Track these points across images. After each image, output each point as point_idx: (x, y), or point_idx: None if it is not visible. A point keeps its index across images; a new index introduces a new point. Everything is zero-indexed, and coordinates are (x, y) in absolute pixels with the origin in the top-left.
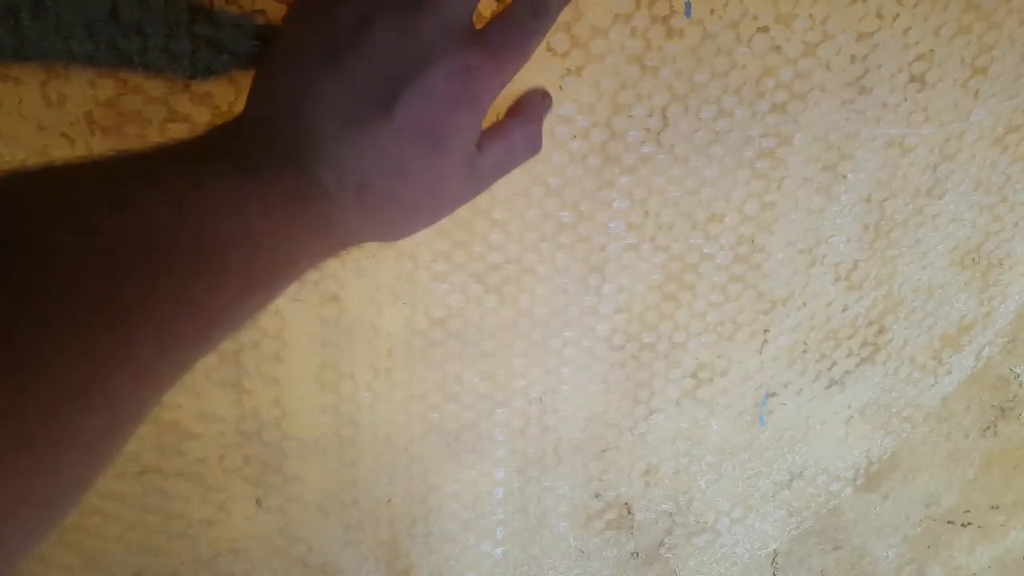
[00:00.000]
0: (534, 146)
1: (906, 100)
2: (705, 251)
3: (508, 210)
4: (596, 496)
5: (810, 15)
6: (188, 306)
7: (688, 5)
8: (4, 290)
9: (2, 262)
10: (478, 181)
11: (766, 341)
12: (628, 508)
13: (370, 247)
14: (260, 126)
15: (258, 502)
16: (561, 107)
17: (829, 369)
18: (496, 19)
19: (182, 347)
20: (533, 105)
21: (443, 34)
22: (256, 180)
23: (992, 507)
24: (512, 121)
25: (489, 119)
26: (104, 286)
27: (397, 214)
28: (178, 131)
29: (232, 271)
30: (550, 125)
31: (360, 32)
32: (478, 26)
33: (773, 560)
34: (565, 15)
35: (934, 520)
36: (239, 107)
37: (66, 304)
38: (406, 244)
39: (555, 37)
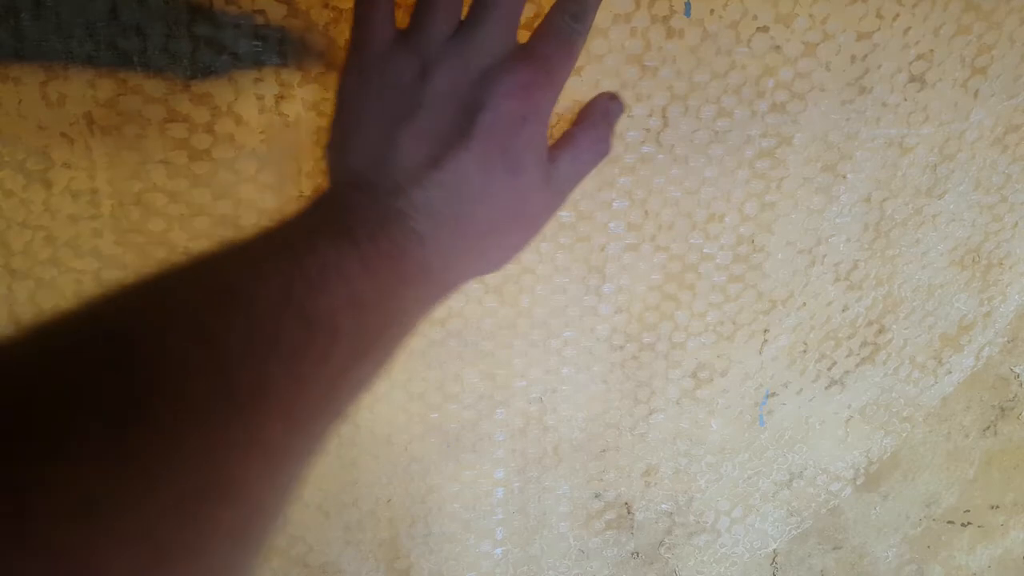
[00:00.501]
0: (603, 149)
1: (906, 100)
2: (705, 251)
3: None
4: (596, 496)
5: (810, 15)
6: (304, 382)
7: (688, 5)
8: (118, 401)
9: (115, 372)
10: (556, 192)
11: (766, 341)
12: (628, 508)
13: None
14: (348, 192)
15: None
16: (561, 107)
17: (829, 369)
18: (537, 32)
19: (306, 424)
20: (598, 109)
21: (494, 62)
22: (352, 245)
23: (992, 507)
24: (579, 128)
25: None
26: (216, 381)
27: (491, 242)
28: (178, 131)
29: (341, 339)
30: (550, 125)
31: (421, 84)
32: (524, 35)
33: (773, 560)
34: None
35: (934, 520)
36: (238, 107)
37: (179, 405)
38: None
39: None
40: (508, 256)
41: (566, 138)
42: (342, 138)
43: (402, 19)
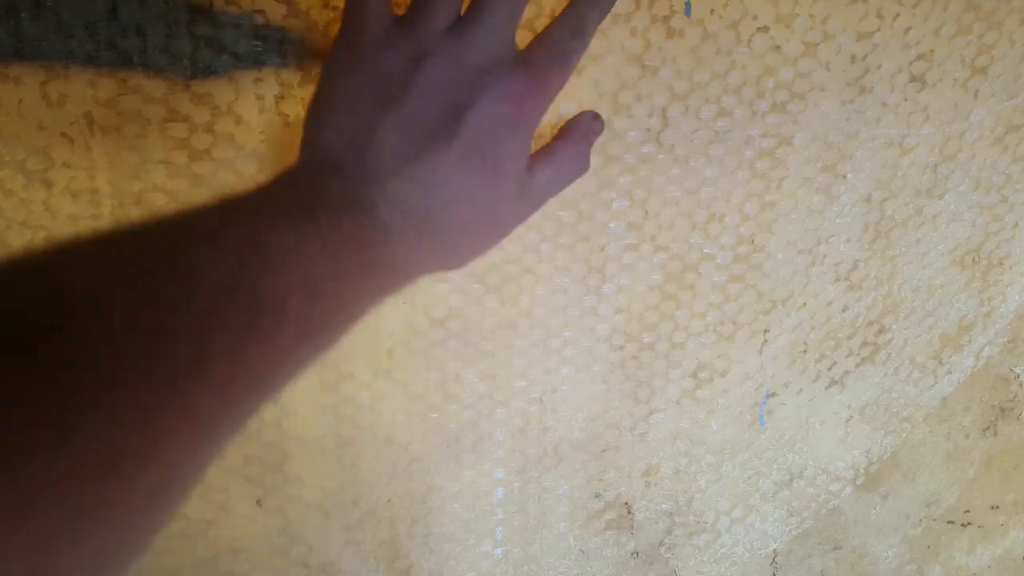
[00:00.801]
0: (582, 166)
1: (906, 100)
2: (705, 251)
3: None
4: (596, 496)
5: (810, 15)
6: (244, 360)
7: (688, 5)
8: (65, 350)
9: (64, 323)
10: (531, 202)
11: (766, 341)
12: (628, 508)
13: None
14: (318, 173)
15: (258, 502)
16: (561, 107)
17: (829, 369)
18: (537, 41)
19: (241, 399)
20: (581, 126)
21: (489, 64)
22: (314, 227)
23: (992, 507)
24: (560, 142)
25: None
26: (161, 347)
27: (458, 243)
28: (178, 131)
29: (289, 320)
30: (551, 125)
31: (413, 73)
32: (523, 36)
33: (773, 560)
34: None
35: (934, 520)
36: (238, 107)
37: (124, 365)
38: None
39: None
40: (471, 258)
41: (546, 151)
42: (322, 114)
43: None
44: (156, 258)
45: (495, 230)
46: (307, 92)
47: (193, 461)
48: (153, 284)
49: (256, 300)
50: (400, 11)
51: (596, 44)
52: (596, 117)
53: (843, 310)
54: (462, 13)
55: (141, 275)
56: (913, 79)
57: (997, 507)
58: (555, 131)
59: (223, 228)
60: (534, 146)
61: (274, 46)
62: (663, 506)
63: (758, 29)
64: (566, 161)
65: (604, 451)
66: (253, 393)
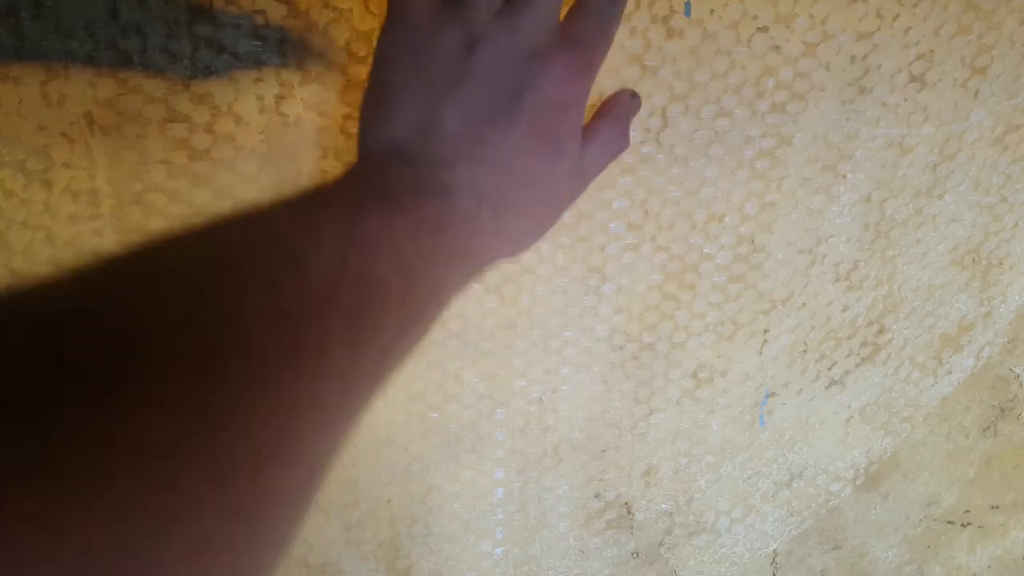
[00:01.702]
0: (623, 142)
1: (906, 100)
2: (705, 251)
3: None
4: (596, 496)
5: (810, 15)
6: (360, 347)
7: (688, 5)
8: (193, 349)
9: (185, 319)
10: (583, 180)
11: (766, 341)
12: (628, 508)
13: None
14: (389, 161)
15: None
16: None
17: (829, 369)
18: (575, 14)
19: (359, 389)
20: (621, 104)
21: (538, 46)
22: (401, 213)
23: (992, 507)
24: (602, 121)
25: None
26: (285, 337)
27: (523, 225)
28: (178, 131)
29: (392, 308)
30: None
31: (468, 58)
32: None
33: (773, 560)
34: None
35: (934, 520)
36: (238, 107)
37: (248, 359)
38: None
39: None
40: (534, 239)
41: (589, 130)
42: (381, 105)
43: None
44: (263, 244)
45: (555, 209)
46: (307, 92)
47: (325, 454)
48: (267, 270)
49: (364, 285)
50: None
51: None
52: (634, 95)
53: (843, 310)
54: None
55: (254, 263)
56: (913, 79)
57: (997, 507)
58: (596, 109)
59: (319, 216)
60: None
61: (274, 46)
62: (663, 506)
63: (758, 29)
64: (609, 138)
65: (604, 451)
66: (369, 381)
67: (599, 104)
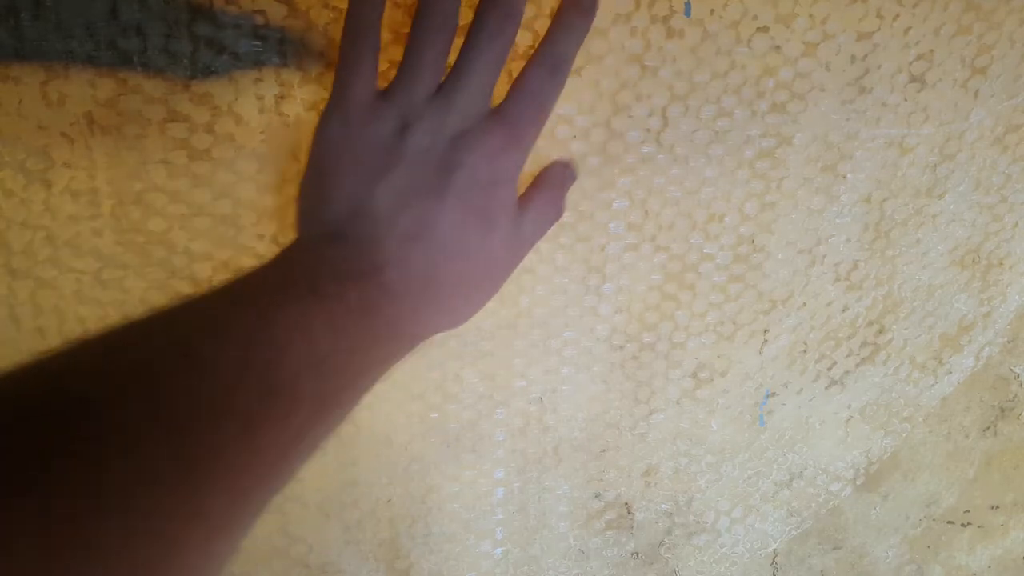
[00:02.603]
0: (558, 212)
1: (906, 100)
2: (705, 251)
3: None
4: (596, 496)
5: (810, 15)
6: (258, 449)
7: (688, 5)
8: (70, 464)
9: (69, 429)
10: (520, 249)
11: (766, 341)
12: (628, 508)
13: None
14: (319, 244)
15: None
16: (561, 107)
17: (829, 369)
18: (514, 90)
19: (252, 491)
20: (555, 175)
21: (470, 124)
22: (318, 302)
23: (992, 507)
24: (536, 191)
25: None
26: (168, 450)
27: (462, 298)
28: (178, 131)
29: (303, 399)
30: (550, 125)
31: (401, 140)
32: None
33: (773, 560)
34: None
35: (934, 520)
36: (238, 107)
37: (132, 470)
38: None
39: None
40: (473, 311)
41: (526, 199)
42: (316, 188)
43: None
44: (162, 355)
45: (492, 281)
46: (307, 92)
47: (208, 563)
48: (161, 383)
49: (267, 387)
50: (384, 83)
51: (596, 44)
52: (567, 166)
53: (843, 310)
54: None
55: (149, 376)
56: (913, 79)
57: (997, 507)
58: (531, 179)
59: (228, 313)
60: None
61: (274, 46)
62: (663, 506)
63: (758, 29)
64: (544, 209)
65: (604, 451)
66: (267, 481)
67: (535, 174)
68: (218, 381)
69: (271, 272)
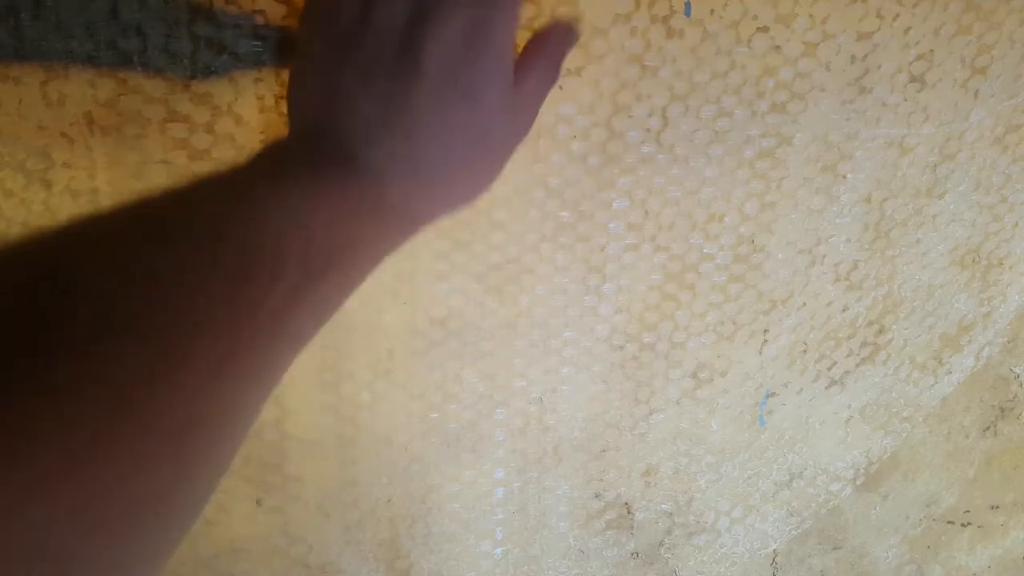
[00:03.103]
0: (554, 76)
1: (906, 100)
2: (705, 251)
3: (508, 210)
4: (596, 496)
5: (810, 15)
6: (250, 302)
7: (688, 5)
8: (39, 338)
9: (41, 305)
10: (519, 120)
11: (766, 341)
12: (628, 508)
13: None
14: (303, 138)
15: (258, 502)
16: (561, 107)
17: (829, 369)
18: None
19: (257, 340)
20: (552, 40)
21: None
22: (293, 179)
23: (992, 507)
24: (532, 58)
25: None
26: (140, 312)
27: (457, 176)
28: (178, 131)
29: (288, 262)
30: (550, 125)
31: (365, 16)
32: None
33: (773, 560)
34: (565, 15)
35: (934, 520)
36: (238, 107)
37: (97, 339)
38: (406, 244)
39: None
40: (478, 188)
41: (522, 67)
42: (295, 88)
43: None
44: (134, 228)
45: (493, 154)
46: None
47: (218, 407)
48: (132, 251)
49: (247, 248)
50: None
51: (596, 44)
52: (568, 27)
53: (843, 310)
54: None
55: (117, 245)
56: (913, 79)
57: (997, 507)
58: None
59: (201, 195)
60: None
61: (274, 46)
62: (663, 506)
63: (758, 29)
64: (539, 73)
65: (604, 451)
66: (270, 335)
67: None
68: (195, 246)
69: (249, 162)
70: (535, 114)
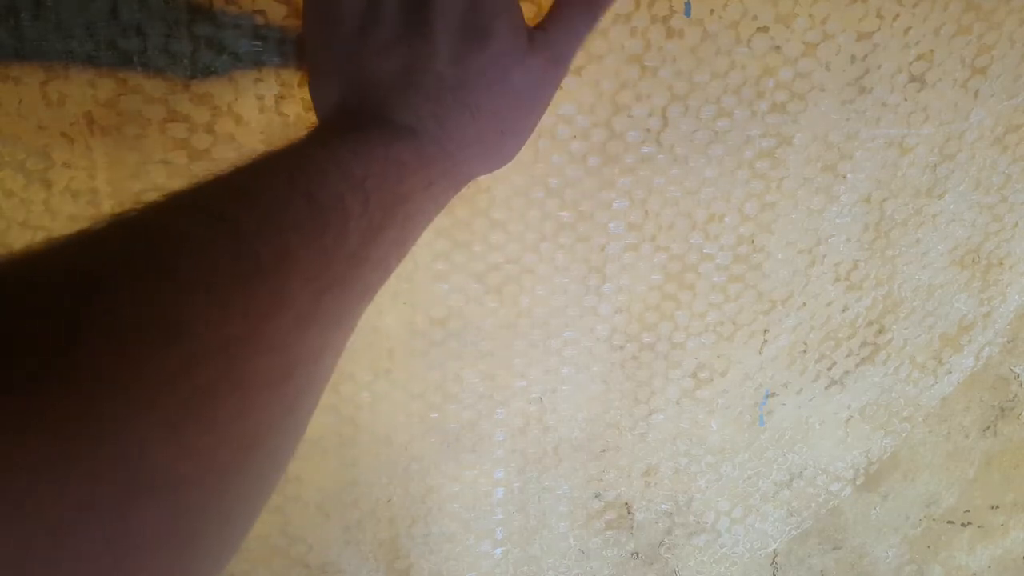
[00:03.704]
0: (595, 13)
1: (906, 100)
2: (705, 251)
3: (508, 210)
4: (596, 496)
5: (810, 15)
6: (324, 254)
7: (688, 5)
8: (152, 278)
9: (145, 254)
10: (552, 60)
11: (766, 341)
12: (628, 508)
13: None
14: (330, 119)
15: None
16: (561, 107)
17: (829, 369)
18: None
19: (333, 291)
20: None
21: None
22: (341, 142)
23: (992, 507)
24: (555, 7)
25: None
26: (238, 250)
27: (486, 124)
28: (178, 131)
29: (352, 217)
30: (550, 125)
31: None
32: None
33: (773, 560)
34: None
35: (934, 520)
36: (238, 107)
37: (203, 273)
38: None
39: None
40: (513, 139)
41: (556, 8)
42: (314, 85)
43: None
44: (219, 188)
45: (518, 102)
46: (307, 92)
47: (305, 352)
48: (218, 206)
49: (316, 203)
50: None
51: (596, 44)
52: None
53: (843, 310)
54: None
55: (207, 201)
56: (913, 79)
57: (997, 507)
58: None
59: (270, 161)
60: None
61: (274, 46)
62: (663, 506)
63: (758, 29)
64: (577, 8)
65: (604, 451)
66: (344, 286)
67: None
68: (270, 202)
69: (294, 142)
70: (561, 61)
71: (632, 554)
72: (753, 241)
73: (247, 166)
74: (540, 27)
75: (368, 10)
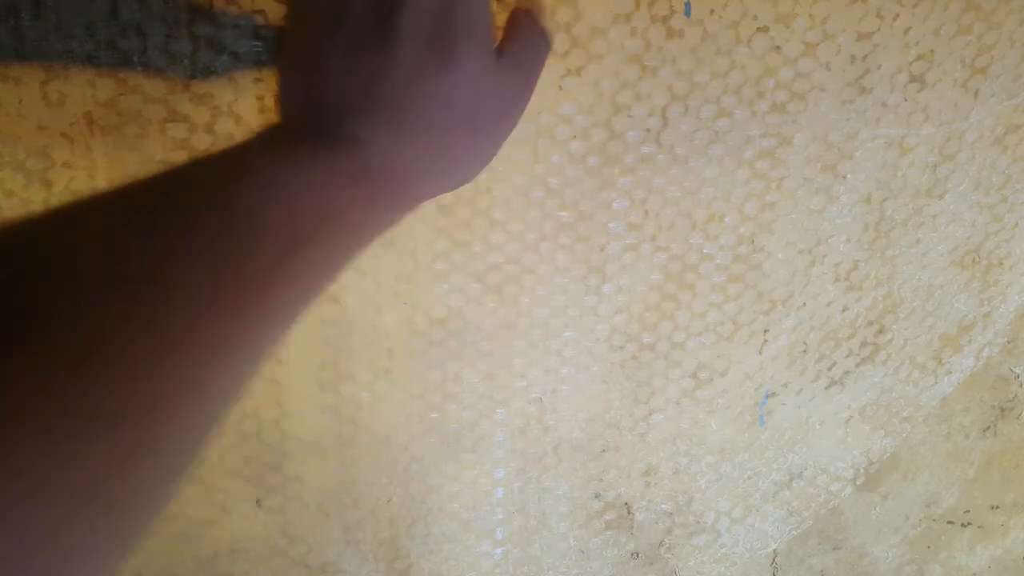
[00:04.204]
0: (545, 40)
1: (906, 100)
2: (705, 251)
3: (508, 210)
4: (596, 496)
5: (810, 15)
6: (221, 271)
7: (688, 5)
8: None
9: (27, 284)
10: (511, 89)
11: (766, 341)
12: (628, 508)
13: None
14: (291, 120)
15: (258, 502)
16: (561, 107)
17: (829, 369)
18: None
19: (217, 324)
20: (526, 11)
21: None
22: (280, 152)
23: (992, 507)
24: (512, 26)
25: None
26: (131, 264)
27: (444, 145)
28: (178, 131)
29: (268, 230)
30: (550, 125)
31: (338, 2)
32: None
33: (773, 560)
34: (565, 15)
35: (934, 520)
36: (238, 107)
37: (78, 313)
38: (406, 244)
39: (555, 37)
40: (472, 161)
41: (507, 33)
42: (280, 79)
43: None
44: (109, 210)
45: (481, 126)
46: None
47: (180, 371)
48: (106, 229)
49: (219, 216)
50: None
51: (596, 44)
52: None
53: (843, 310)
54: None
55: (96, 225)
56: (913, 79)
57: (997, 507)
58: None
59: (177, 174)
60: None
61: (274, 46)
62: (663, 506)
63: (758, 29)
64: (524, 39)
65: (604, 451)
66: (245, 307)
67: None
68: (177, 217)
69: (232, 147)
70: (528, 84)
71: (632, 554)
72: (753, 241)
73: (165, 173)
74: (503, 47)
75: (342, 13)
